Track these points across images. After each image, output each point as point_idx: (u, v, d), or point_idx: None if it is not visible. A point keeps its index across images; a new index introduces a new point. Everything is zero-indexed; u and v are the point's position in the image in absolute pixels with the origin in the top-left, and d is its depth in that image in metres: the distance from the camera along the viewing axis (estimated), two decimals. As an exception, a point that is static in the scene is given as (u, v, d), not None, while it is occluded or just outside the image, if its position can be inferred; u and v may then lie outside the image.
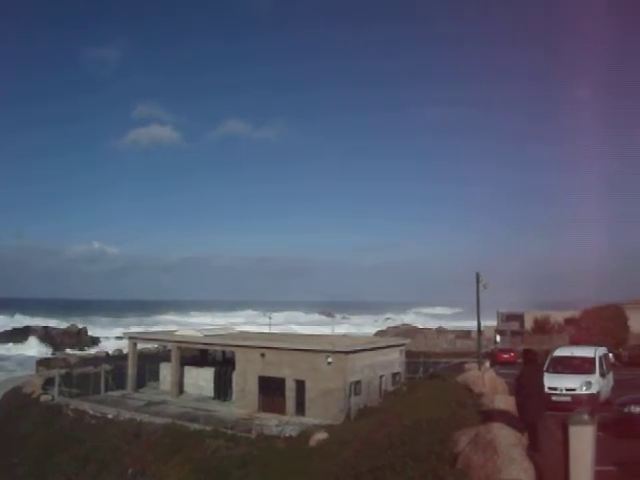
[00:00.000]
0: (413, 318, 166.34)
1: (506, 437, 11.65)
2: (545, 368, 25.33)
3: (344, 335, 57.58)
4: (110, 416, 40.02)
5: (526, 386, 13.73)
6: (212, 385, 45.81)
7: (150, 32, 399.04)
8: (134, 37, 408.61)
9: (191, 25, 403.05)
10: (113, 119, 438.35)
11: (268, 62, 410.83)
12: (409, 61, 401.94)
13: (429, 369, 48.80)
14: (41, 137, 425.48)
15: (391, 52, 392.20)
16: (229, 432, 33.90)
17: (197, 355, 53.31)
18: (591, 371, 24.93)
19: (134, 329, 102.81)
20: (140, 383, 49.56)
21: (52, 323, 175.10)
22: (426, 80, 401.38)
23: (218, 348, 49.39)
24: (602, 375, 25.21)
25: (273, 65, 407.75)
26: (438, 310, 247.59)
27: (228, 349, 47.07)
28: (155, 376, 50.37)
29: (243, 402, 41.84)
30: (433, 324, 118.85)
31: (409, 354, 49.64)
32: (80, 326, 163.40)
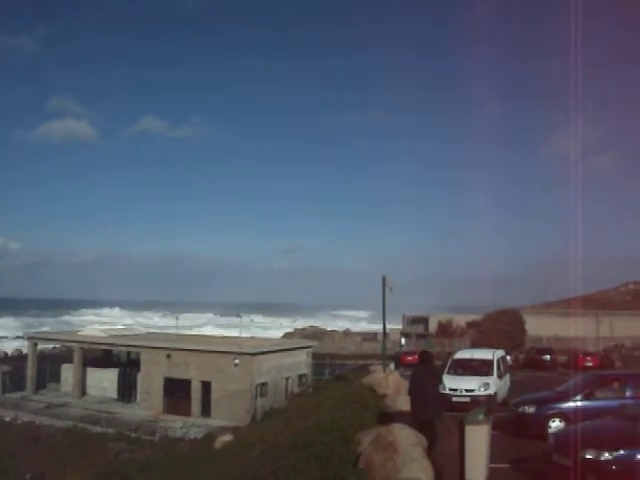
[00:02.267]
0: (322, 321, 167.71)
1: (407, 437, 11.96)
2: (446, 370, 26.11)
3: (251, 337, 57.46)
4: (7, 419, 38.73)
5: (419, 386, 14.15)
6: (116, 387, 44.89)
7: (70, 24, 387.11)
8: (52, 28, 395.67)
9: (112, 19, 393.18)
10: (25, 110, 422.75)
11: (189, 61, 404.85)
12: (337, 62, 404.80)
13: (335, 371, 49.42)
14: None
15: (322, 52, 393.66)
16: (132, 435, 33.43)
17: (101, 356, 52.11)
18: (489, 373, 25.82)
19: (41, 328, 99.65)
20: (40, 385, 47.94)
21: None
22: (343, 83, 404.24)
23: (123, 349, 48.51)
24: (499, 377, 26.15)
25: (194, 64, 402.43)
26: (347, 313, 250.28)
27: (133, 350, 46.26)
28: (56, 378, 48.86)
29: (148, 404, 41.23)
30: (341, 327, 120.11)
31: (316, 356, 50.16)
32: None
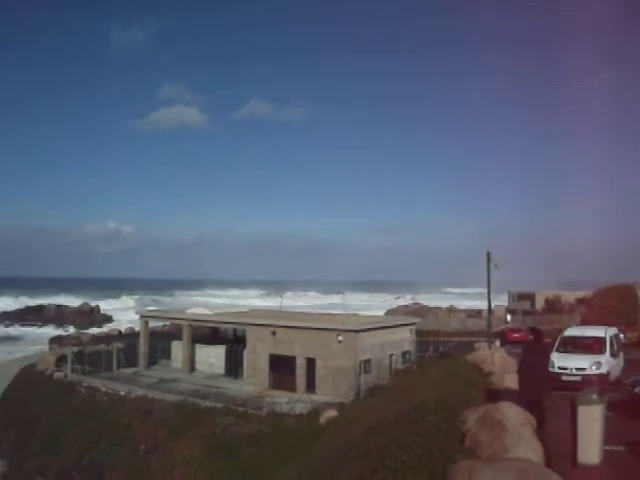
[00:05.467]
0: (425, 298, 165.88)
1: (515, 416, 11.59)
2: (555, 348, 25.24)
3: (354, 314, 57.54)
4: (122, 393, 40.34)
5: (529, 364, 13.67)
6: (223, 363, 46.12)
7: (178, 15, 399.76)
8: (161, 19, 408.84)
9: (218, 10, 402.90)
10: (137, 101, 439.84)
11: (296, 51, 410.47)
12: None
13: (439, 348, 48.79)
14: (67, 121, 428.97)
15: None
16: (240, 409, 34.11)
17: (208, 333, 53.57)
18: (601, 351, 24.76)
19: (149, 307, 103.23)
20: (152, 361, 49.92)
21: (65, 301, 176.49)
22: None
23: (229, 326, 49.61)
24: (612, 355, 25.05)
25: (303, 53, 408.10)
26: (451, 290, 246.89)
27: (239, 327, 47.25)
28: (167, 354, 50.70)
29: (254, 380, 42.06)
30: (444, 303, 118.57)
31: (419, 333, 49.67)
32: (93, 304, 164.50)
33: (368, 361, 38.91)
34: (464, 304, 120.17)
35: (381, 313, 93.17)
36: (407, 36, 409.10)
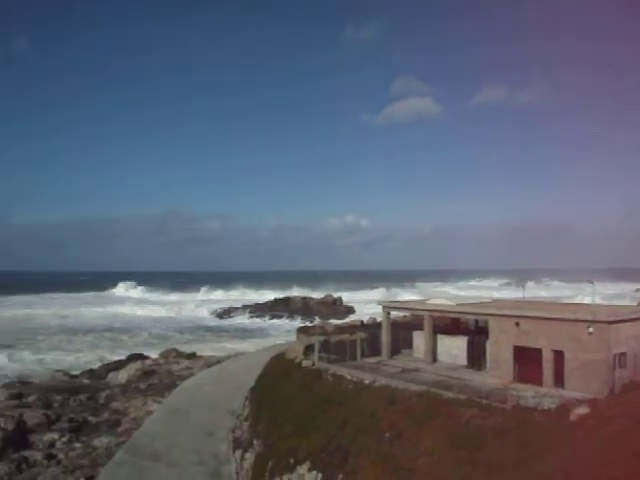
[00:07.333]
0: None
1: None
2: None
3: (605, 304, 53.82)
4: (366, 382, 41.18)
5: None
6: (465, 354, 45.47)
7: (407, 11, 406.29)
8: (392, 17, 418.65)
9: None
10: (371, 96, 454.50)
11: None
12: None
13: None
14: (310, 125, 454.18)
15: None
16: (483, 402, 33.28)
17: (449, 324, 53.15)
18: None
19: (387, 298, 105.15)
20: (395, 350, 50.60)
21: (310, 294, 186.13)
22: None
23: (470, 317, 48.77)
24: None
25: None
26: None
27: (481, 318, 46.26)
28: (408, 344, 51.10)
29: (497, 372, 40.92)
30: None
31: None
32: (335, 296, 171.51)
33: (623, 354, 36.02)
34: None
35: (634, 303, 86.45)
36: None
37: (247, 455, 40.74)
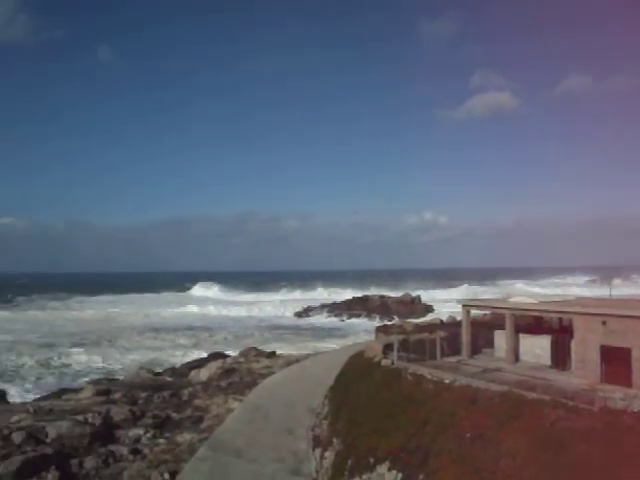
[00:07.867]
0: None
1: None
2: None
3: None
4: (446, 381, 40.56)
5: None
6: (549, 354, 44.24)
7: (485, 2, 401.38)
8: (467, 9, 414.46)
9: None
10: (449, 91, 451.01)
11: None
12: None
13: None
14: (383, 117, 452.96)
15: None
16: (569, 403, 32.26)
17: (532, 322, 51.89)
18: None
19: (467, 296, 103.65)
20: (475, 350, 49.73)
21: (388, 292, 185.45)
22: None
23: (554, 315, 47.44)
24: None
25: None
26: None
27: (565, 316, 44.92)
28: (489, 343, 50.15)
29: (583, 372, 39.63)
30: None
31: None
32: (413, 295, 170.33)
33: None
34: None
35: None
36: None
37: (327, 454, 40.75)
